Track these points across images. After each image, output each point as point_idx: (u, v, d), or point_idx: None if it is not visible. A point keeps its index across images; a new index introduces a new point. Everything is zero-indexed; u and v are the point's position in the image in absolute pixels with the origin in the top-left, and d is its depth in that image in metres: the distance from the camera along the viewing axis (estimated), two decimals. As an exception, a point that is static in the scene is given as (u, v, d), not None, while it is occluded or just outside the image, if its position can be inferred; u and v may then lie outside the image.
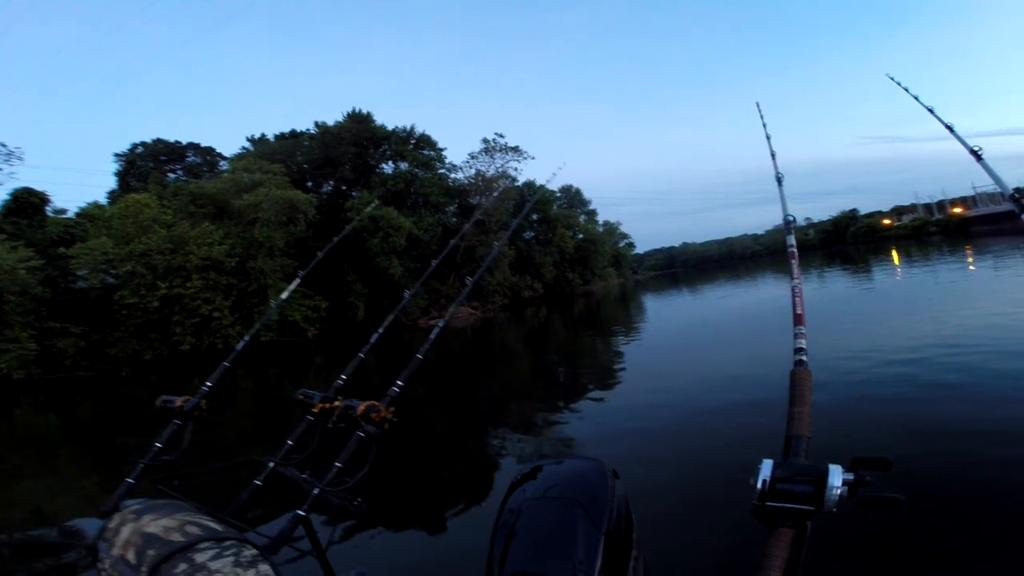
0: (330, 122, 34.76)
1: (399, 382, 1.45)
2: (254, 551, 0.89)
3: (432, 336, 1.69)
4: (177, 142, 37.89)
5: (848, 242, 68.40)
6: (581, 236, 50.69)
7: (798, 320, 0.94)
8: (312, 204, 26.91)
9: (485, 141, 38.73)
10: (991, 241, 26.78)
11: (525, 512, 1.26)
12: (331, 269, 26.70)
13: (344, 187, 34.24)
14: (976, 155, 1.61)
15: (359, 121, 34.09)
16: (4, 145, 23.28)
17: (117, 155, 36.84)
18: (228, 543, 0.88)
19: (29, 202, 23.63)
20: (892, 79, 2.47)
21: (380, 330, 2.06)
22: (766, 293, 19.15)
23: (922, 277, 15.75)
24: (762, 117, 2.14)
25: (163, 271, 21.30)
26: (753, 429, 4.20)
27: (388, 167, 35.55)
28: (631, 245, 73.07)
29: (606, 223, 61.53)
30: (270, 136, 37.04)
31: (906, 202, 72.67)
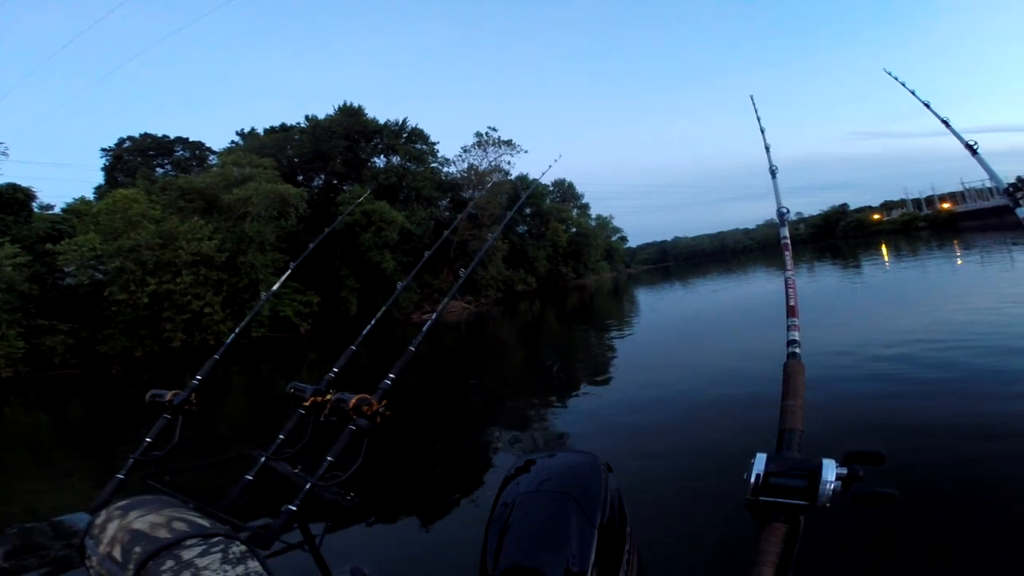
0: (321, 115, 34.57)
1: (391, 375, 1.44)
2: (242, 547, 0.88)
3: (424, 328, 1.68)
4: (165, 136, 37.59)
5: (838, 236, 68.93)
6: (574, 230, 50.76)
7: (791, 312, 0.94)
8: (303, 198, 26.71)
9: (478, 135, 38.74)
10: (978, 236, 27.07)
11: (519, 506, 1.26)
12: (323, 264, 26.58)
13: (335, 181, 34.04)
14: (972, 149, 1.62)
15: (350, 114, 33.84)
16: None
17: (104, 150, 36.59)
18: (216, 539, 0.87)
19: (15, 198, 23.30)
20: (889, 74, 2.48)
21: (372, 322, 2.05)
22: (757, 287, 19.28)
23: (911, 272, 15.91)
24: (756, 111, 2.14)
25: (152, 267, 21.09)
26: (746, 422, 4.23)
27: (380, 161, 35.39)
28: (624, 239, 73.45)
29: (599, 217, 61.75)
30: (260, 130, 36.69)
31: (896, 197, 73.38)
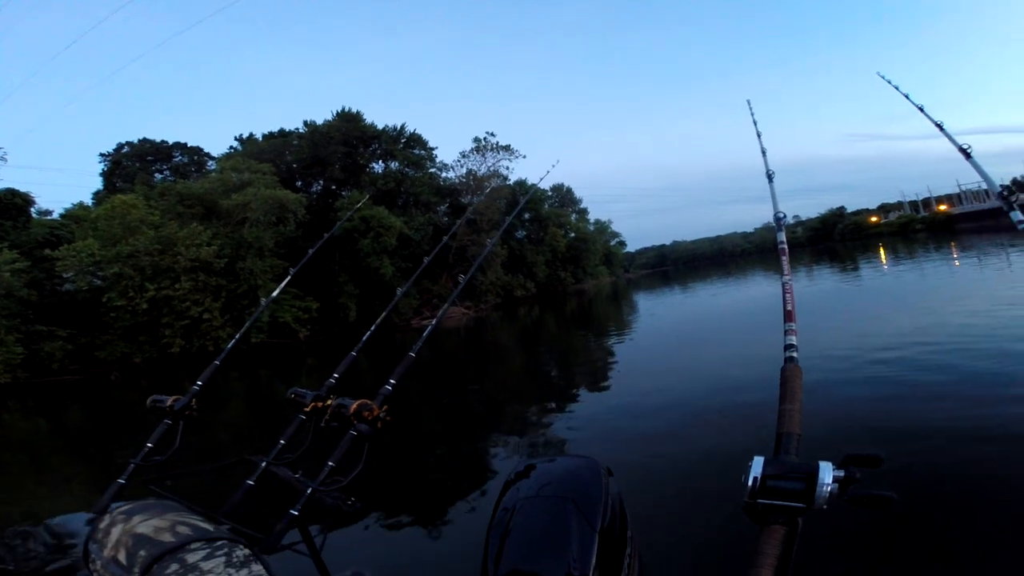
0: (319, 121, 34.57)
1: (392, 380, 1.45)
2: (246, 551, 0.88)
3: (425, 334, 1.69)
4: (163, 142, 37.55)
5: (836, 239, 69.09)
6: (573, 235, 50.80)
7: (788, 316, 0.94)
8: (302, 204, 26.70)
9: (476, 140, 38.78)
10: (975, 238, 27.15)
11: (519, 511, 1.26)
12: (322, 270, 26.56)
13: (334, 187, 34.05)
14: (965, 153, 1.63)
15: (348, 120, 33.90)
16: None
17: (102, 155, 36.51)
18: (220, 543, 0.88)
19: (13, 203, 23.24)
20: (883, 77, 2.49)
21: (372, 328, 2.06)
22: (756, 291, 19.29)
23: (909, 274, 15.93)
24: (753, 115, 2.15)
25: (151, 273, 21.04)
26: (746, 426, 4.23)
27: (378, 166, 35.42)
28: (622, 243, 73.47)
29: (597, 221, 61.80)
30: (258, 135, 36.73)
31: (892, 199, 73.75)
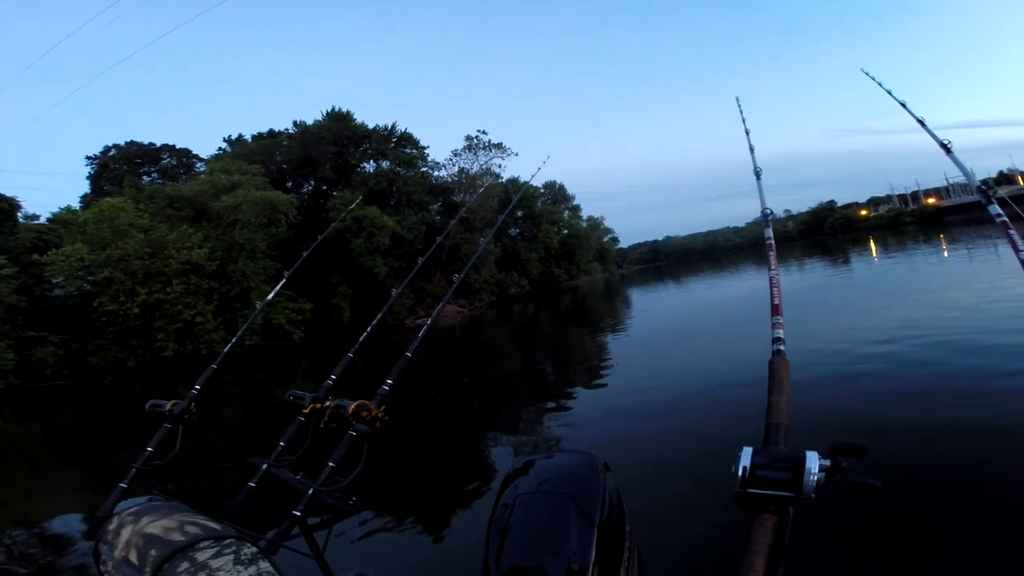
0: (309, 121, 34.36)
1: (389, 380, 1.46)
2: (253, 549, 0.90)
3: (420, 334, 1.70)
4: (151, 144, 37.13)
5: (827, 233, 69.57)
6: (566, 232, 50.77)
7: (776, 310, 0.96)
8: (293, 205, 26.52)
9: (468, 138, 38.70)
10: (964, 230, 27.42)
11: (519, 507, 1.28)
12: (315, 271, 26.42)
13: (325, 187, 33.85)
14: (946, 148, 1.65)
15: (339, 120, 33.71)
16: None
17: (89, 158, 36.07)
18: (228, 541, 0.90)
19: None
20: (866, 73, 2.52)
21: (368, 329, 2.07)
22: (747, 284, 19.41)
23: (899, 267, 16.09)
24: (741, 112, 2.17)
25: (142, 276, 20.87)
26: (739, 418, 4.28)
27: (370, 166, 35.23)
28: (615, 240, 73.47)
29: (590, 218, 61.77)
30: (247, 136, 36.45)
31: (882, 193, 74.44)
